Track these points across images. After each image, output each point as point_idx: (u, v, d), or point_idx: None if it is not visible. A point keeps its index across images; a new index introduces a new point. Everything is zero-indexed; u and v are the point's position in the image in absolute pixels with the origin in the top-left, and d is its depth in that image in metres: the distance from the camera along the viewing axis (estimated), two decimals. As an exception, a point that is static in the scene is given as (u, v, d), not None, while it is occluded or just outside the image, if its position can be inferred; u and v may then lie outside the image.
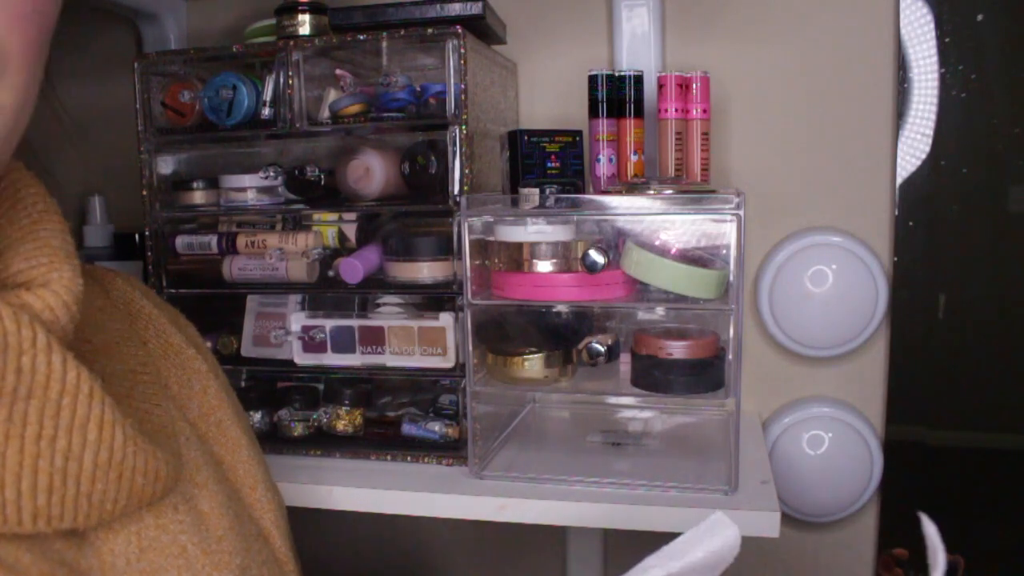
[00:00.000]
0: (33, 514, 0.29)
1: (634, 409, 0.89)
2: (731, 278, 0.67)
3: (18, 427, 0.29)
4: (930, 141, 0.86)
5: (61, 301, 0.33)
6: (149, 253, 0.83)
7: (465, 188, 0.74)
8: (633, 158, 0.79)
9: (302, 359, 0.80)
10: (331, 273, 0.79)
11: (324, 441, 0.81)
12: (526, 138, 0.77)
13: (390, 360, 0.78)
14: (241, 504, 0.43)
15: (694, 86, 0.78)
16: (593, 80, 0.79)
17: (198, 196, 0.83)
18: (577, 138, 0.80)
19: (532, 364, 0.74)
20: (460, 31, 0.73)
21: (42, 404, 0.30)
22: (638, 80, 0.79)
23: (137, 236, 1.03)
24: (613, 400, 0.89)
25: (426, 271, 0.76)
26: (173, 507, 0.37)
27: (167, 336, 0.45)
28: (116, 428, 0.32)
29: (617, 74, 0.79)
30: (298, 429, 0.81)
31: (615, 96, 0.79)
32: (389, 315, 0.79)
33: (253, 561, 0.40)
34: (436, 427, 0.78)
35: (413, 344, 0.77)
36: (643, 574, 0.34)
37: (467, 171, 0.74)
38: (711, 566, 0.35)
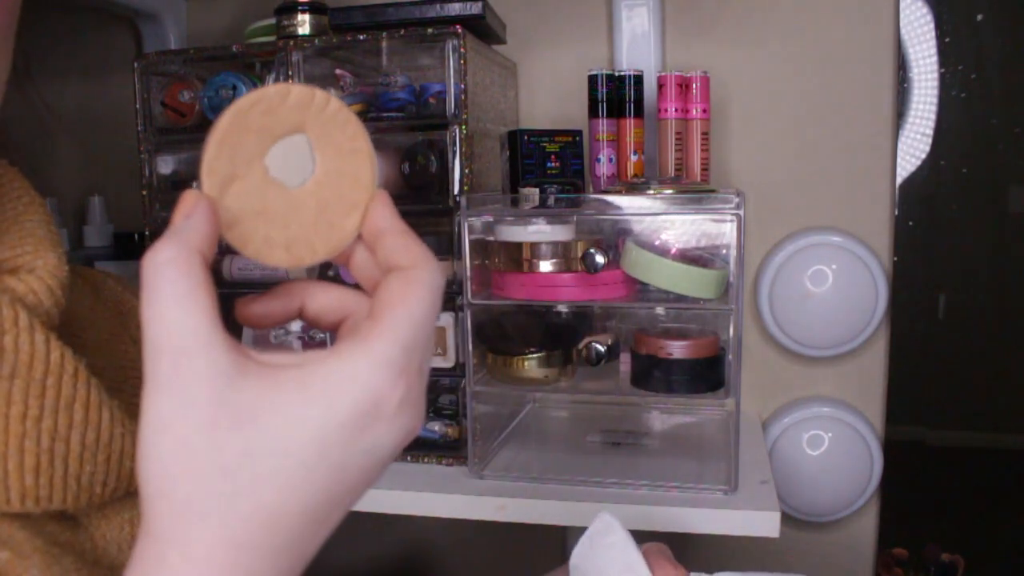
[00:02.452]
0: (21, 494, 0.30)
1: (634, 409, 0.89)
2: (731, 278, 0.67)
3: (2, 407, 0.29)
4: (930, 141, 0.86)
5: (45, 285, 0.33)
6: (149, 253, 0.83)
7: (465, 188, 0.73)
8: (633, 158, 0.79)
9: (302, 359, 0.80)
10: (331, 273, 0.79)
11: (324, 441, 0.81)
12: (526, 138, 0.77)
13: (390, 360, 0.78)
14: None
15: (694, 86, 0.78)
16: (593, 80, 0.79)
17: (198, 196, 0.83)
18: (577, 138, 0.80)
19: (532, 364, 0.74)
20: (460, 31, 0.73)
21: (26, 384, 0.30)
22: (638, 80, 0.79)
23: (137, 236, 1.03)
24: (613, 400, 0.89)
25: (426, 271, 0.76)
26: None
27: None
28: (103, 409, 0.32)
29: (617, 74, 0.79)
30: (298, 429, 0.81)
31: (615, 96, 0.79)
32: (389, 315, 0.79)
33: None
34: (436, 427, 0.78)
35: (413, 344, 0.77)
36: None
37: (467, 171, 0.74)
38: None
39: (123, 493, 0.34)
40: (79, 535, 0.33)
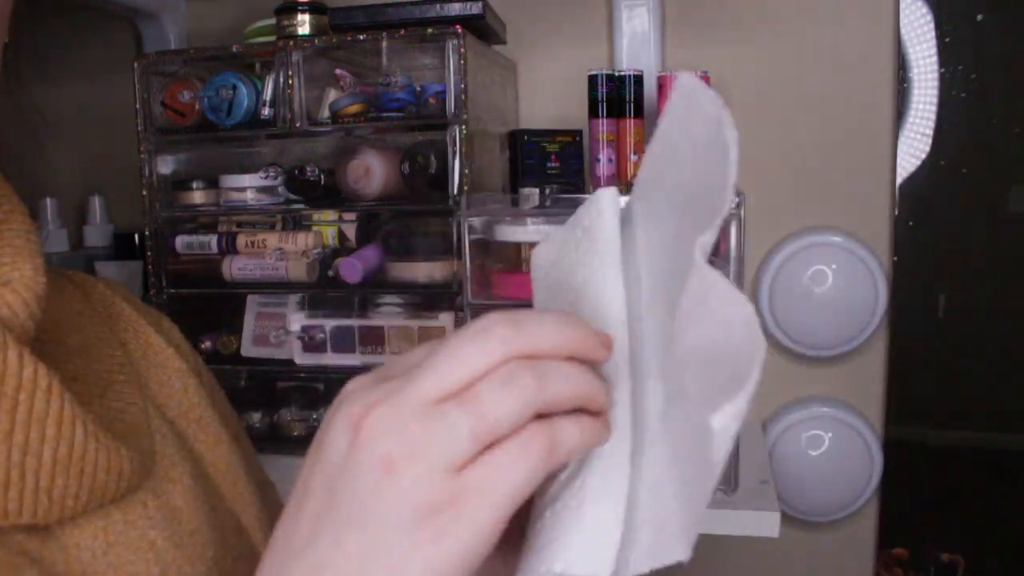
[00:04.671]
0: None
1: (634, 409, 0.89)
2: (731, 278, 0.67)
3: None
4: (930, 141, 0.86)
5: (20, 299, 0.33)
6: (149, 253, 0.83)
7: (465, 188, 0.73)
8: (633, 158, 0.79)
9: (302, 359, 0.80)
10: (331, 273, 0.79)
11: (324, 441, 0.80)
12: (526, 138, 0.77)
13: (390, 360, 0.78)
14: (220, 498, 0.43)
15: (694, 86, 0.78)
16: (593, 80, 0.78)
17: (198, 196, 0.83)
18: (577, 138, 0.80)
19: (532, 364, 0.74)
20: (460, 31, 0.73)
21: None
22: (638, 80, 0.79)
23: (137, 236, 1.03)
24: (613, 400, 0.89)
25: (426, 271, 0.76)
26: (142, 503, 0.37)
27: (146, 337, 0.45)
28: (76, 424, 0.32)
29: (617, 74, 0.79)
30: (298, 429, 0.81)
31: (615, 96, 0.79)
32: (389, 315, 0.79)
33: (228, 554, 0.41)
34: (436, 427, 0.78)
35: (413, 344, 0.77)
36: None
37: (467, 171, 0.74)
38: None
39: (96, 505, 0.34)
40: (48, 544, 0.33)
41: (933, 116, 0.86)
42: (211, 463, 0.44)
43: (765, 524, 0.65)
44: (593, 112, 0.79)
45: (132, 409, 0.40)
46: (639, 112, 0.79)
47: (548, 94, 0.96)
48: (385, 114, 0.76)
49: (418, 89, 0.76)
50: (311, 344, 0.79)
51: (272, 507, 0.49)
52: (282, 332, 0.80)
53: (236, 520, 0.44)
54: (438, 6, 0.75)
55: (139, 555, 0.36)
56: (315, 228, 0.81)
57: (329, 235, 0.81)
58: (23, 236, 0.35)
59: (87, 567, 0.33)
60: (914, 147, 0.87)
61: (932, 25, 0.84)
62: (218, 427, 0.46)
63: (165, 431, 0.42)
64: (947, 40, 0.84)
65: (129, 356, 0.43)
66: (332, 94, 0.78)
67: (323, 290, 0.80)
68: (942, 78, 0.85)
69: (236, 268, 0.81)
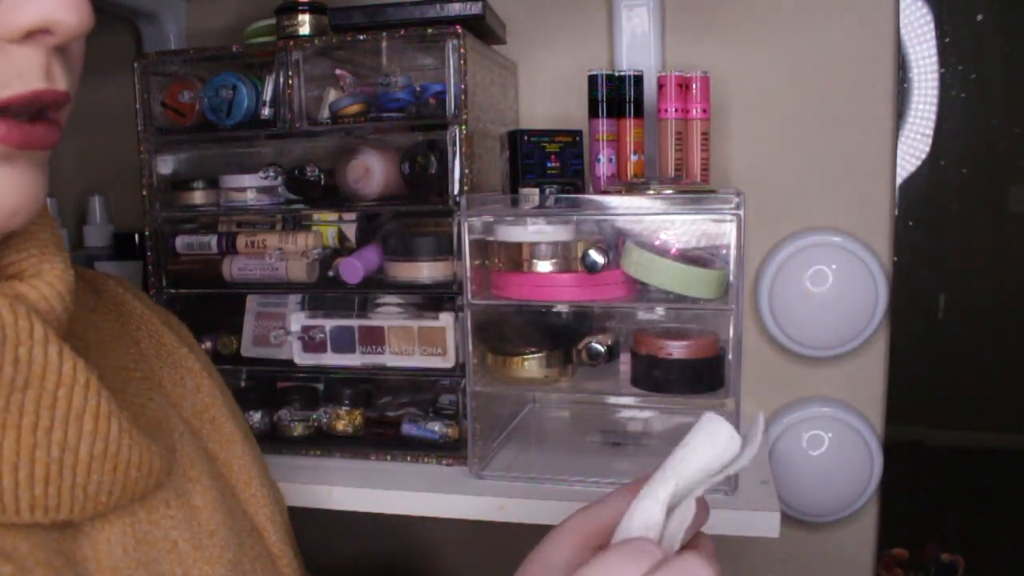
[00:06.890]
0: (31, 504, 0.30)
1: (634, 409, 0.89)
2: (731, 278, 0.67)
3: (15, 417, 0.29)
4: (930, 141, 0.86)
5: (55, 291, 0.33)
6: (149, 253, 0.83)
7: (465, 188, 0.74)
8: (633, 158, 0.79)
9: (302, 359, 0.80)
10: (331, 273, 0.79)
11: (324, 441, 0.81)
12: (526, 138, 0.77)
13: (390, 360, 0.78)
14: (235, 499, 0.43)
15: (694, 86, 0.78)
16: (593, 80, 0.79)
17: (198, 196, 0.83)
18: (577, 138, 0.80)
19: (532, 364, 0.74)
20: (460, 31, 0.73)
21: (39, 395, 0.30)
22: (638, 80, 0.79)
23: (137, 236, 1.03)
24: (613, 400, 0.89)
25: (426, 271, 0.76)
26: (165, 502, 0.37)
27: (159, 336, 0.45)
28: (112, 420, 0.32)
29: (617, 74, 0.79)
30: (298, 429, 0.81)
31: (615, 96, 0.79)
32: (389, 315, 0.79)
33: (245, 556, 0.40)
34: (436, 427, 0.78)
35: (413, 344, 0.77)
36: (659, 487, 0.36)
37: (467, 171, 0.74)
38: (712, 469, 0.36)
39: (126, 501, 0.34)
40: (79, 542, 0.33)
41: (933, 116, 0.86)
42: (224, 463, 0.44)
43: (765, 524, 0.65)
44: (593, 112, 0.79)
45: (151, 405, 0.40)
46: (639, 112, 0.79)
47: (548, 94, 0.96)
48: (385, 114, 0.76)
49: (418, 89, 0.76)
50: (311, 344, 0.79)
51: (279, 508, 0.49)
52: (282, 332, 0.80)
53: (251, 522, 0.44)
54: (438, 6, 0.75)
55: (163, 555, 0.36)
56: (315, 228, 0.81)
57: (329, 235, 0.81)
58: (47, 230, 0.36)
59: (118, 563, 0.33)
60: (914, 147, 0.87)
61: (932, 25, 0.84)
62: (231, 428, 0.45)
63: (182, 429, 0.42)
64: (947, 40, 0.84)
65: (143, 354, 0.43)
66: (332, 94, 0.78)
67: (323, 290, 0.80)
68: (942, 78, 0.85)
69: (236, 268, 0.81)
